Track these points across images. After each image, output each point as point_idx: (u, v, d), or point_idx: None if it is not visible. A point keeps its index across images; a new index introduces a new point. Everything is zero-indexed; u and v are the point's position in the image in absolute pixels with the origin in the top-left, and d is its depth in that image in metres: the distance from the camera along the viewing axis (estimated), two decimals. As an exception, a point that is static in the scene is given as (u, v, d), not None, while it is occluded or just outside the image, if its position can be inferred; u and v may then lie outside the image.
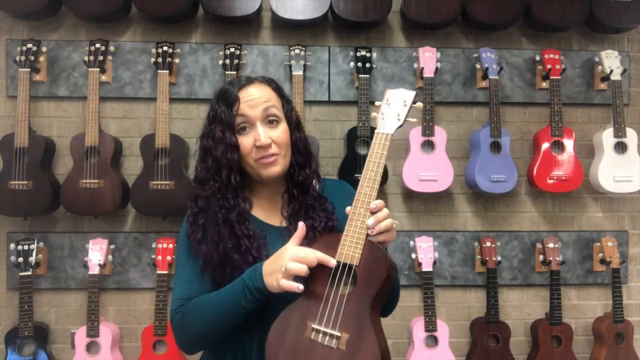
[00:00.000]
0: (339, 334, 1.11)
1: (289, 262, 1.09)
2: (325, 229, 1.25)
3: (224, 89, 1.26)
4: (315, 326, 1.12)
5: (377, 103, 1.26)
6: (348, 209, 1.16)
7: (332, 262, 1.12)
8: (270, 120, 1.24)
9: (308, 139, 1.34)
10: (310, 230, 1.23)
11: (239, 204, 1.23)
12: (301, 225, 1.18)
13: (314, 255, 1.11)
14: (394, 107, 1.22)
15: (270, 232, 1.26)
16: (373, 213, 1.14)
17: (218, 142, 1.22)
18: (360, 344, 1.10)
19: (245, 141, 1.22)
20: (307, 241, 1.19)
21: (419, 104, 1.22)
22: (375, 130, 1.21)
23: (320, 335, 1.12)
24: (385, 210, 1.16)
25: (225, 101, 1.23)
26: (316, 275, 1.14)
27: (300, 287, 1.09)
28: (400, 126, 1.19)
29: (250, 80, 1.26)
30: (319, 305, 1.14)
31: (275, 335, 1.15)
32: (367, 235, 1.13)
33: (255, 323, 1.21)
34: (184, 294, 1.23)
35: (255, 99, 1.23)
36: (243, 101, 1.22)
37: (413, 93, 1.21)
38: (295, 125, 1.30)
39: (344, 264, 1.13)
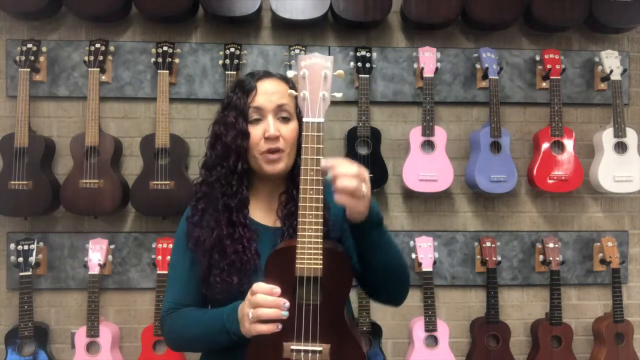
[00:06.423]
0: (320, 348, 1.06)
1: (249, 309, 1.07)
2: None
3: (242, 78, 1.29)
4: (294, 347, 1.06)
5: (289, 73, 1.12)
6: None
7: (285, 307, 1.05)
8: (282, 117, 1.26)
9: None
10: None
11: (242, 192, 1.25)
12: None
13: (267, 301, 1.05)
14: (315, 83, 1.07)
15: (262, 232, 1.27)
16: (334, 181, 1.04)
17: (230, 127, 1.23)
18: (344, 350, 1.07)
19: (255, 132, 1.23)
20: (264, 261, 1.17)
21: (339, 72, 1.10)
22: (303, 119, 1.07)
23: (302, 354, 1.06)
24: (353, 169, 1.04)
25: (242, 89, 1.26)
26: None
27: (279, 326, 1.05)
28: (327, 106, 1.09)
29: (268, 74, 1.30)
30: (291, 323, 1.06)
31: None
32: (324, 242, 1.06)
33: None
34: (175, 297, 1.27)
35: (271, 92, 1.25)
36: (260, 92, 1.24)
37: (330, 59, 1.07)
38: None
39: (307, 277, 1.05)
